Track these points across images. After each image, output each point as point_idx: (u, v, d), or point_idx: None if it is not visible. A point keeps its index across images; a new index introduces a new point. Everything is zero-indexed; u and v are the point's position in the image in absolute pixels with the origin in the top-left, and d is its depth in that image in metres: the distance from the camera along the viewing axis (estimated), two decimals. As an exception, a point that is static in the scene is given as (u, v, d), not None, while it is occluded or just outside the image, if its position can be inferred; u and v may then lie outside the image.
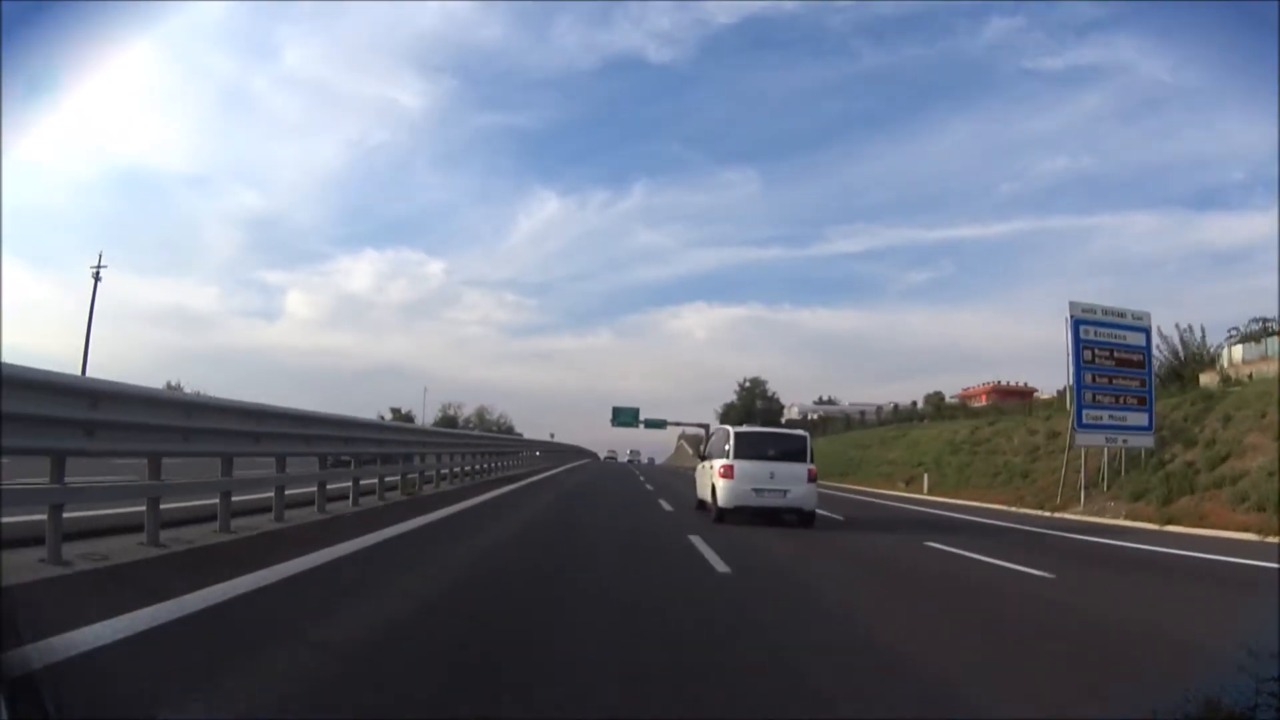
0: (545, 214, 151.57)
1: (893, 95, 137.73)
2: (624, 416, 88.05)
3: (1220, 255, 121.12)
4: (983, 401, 59.18)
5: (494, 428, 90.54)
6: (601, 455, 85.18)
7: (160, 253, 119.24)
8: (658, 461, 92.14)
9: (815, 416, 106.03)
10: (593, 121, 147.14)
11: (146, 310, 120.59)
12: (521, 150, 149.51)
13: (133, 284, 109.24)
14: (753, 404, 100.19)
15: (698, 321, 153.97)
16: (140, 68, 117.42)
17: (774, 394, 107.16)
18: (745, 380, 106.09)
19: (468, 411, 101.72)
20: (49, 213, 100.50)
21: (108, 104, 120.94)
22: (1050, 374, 77.28)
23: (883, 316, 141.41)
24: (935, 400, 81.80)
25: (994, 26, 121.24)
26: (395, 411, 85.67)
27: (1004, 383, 64.63)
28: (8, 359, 4.83)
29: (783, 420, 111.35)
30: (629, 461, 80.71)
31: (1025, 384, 59.00)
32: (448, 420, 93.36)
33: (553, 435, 71.72)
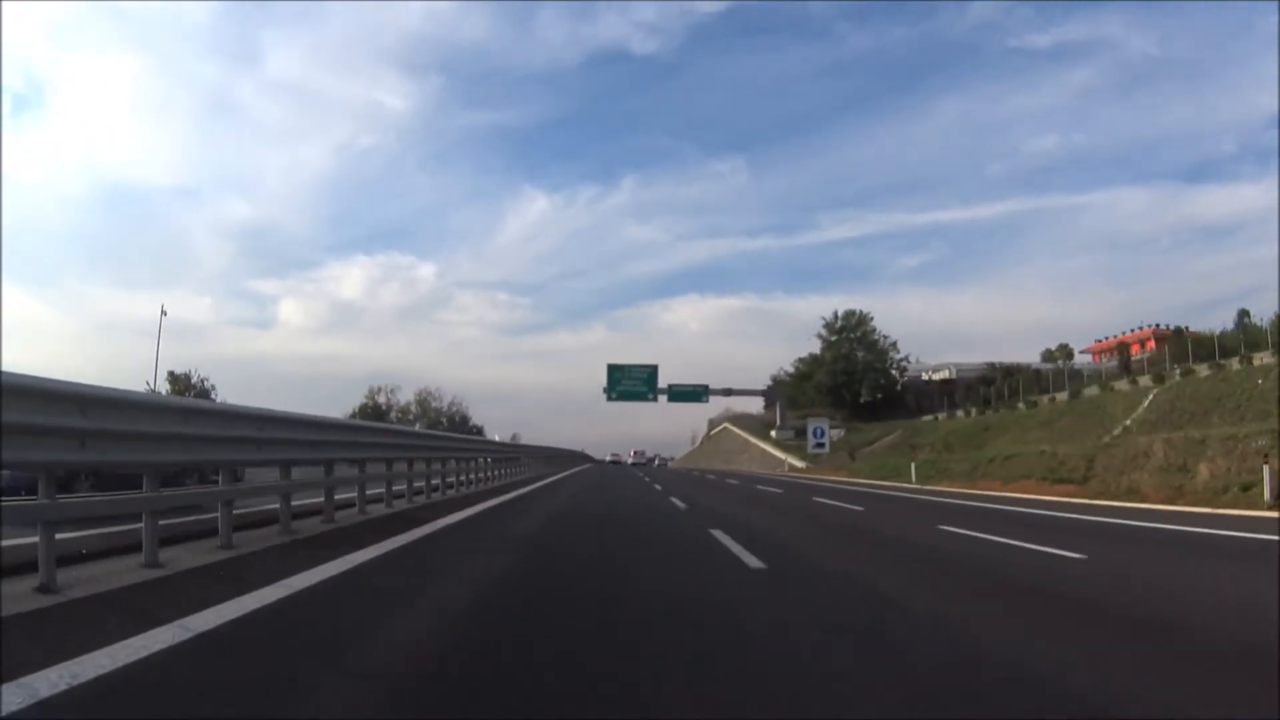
0: (535, 212, 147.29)
1: (878, 78, 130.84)
2: (629, 383, 55.26)
3: (1213, 229, 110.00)
4: (1142, 350, 52.69)
5: (443, 420, 70.78)
6: (606, 458, 69.57)
7: (151, 266, 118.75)
8: (670, 461, 73.99)
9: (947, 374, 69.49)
10: (579, 116, 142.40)
11: (138, 323, 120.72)
12: (509, 148, 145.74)
13: (124, 298, 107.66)
14: (851, 353, 64.81)
15: (691, 314, 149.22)
16: (126, 79, 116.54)
17: (886, 339, 65.64)
18: (834, 317, 66.49)
19: (406, 396, 77.81)
20: (36, 229, 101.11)
21: (94, 118, 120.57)
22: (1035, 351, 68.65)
23: (877, 301, 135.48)
24: (1063, 354, 75.34)
25: (979, 5, 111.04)
26: (176, 379, 46.53)
27: (1164, 326, 57.55)
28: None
29: (900, 381, 66.55)
30: (632, 464, 64.68)
31: (1187, 328, 52.31)
32: (372, 410, 69.19)
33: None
